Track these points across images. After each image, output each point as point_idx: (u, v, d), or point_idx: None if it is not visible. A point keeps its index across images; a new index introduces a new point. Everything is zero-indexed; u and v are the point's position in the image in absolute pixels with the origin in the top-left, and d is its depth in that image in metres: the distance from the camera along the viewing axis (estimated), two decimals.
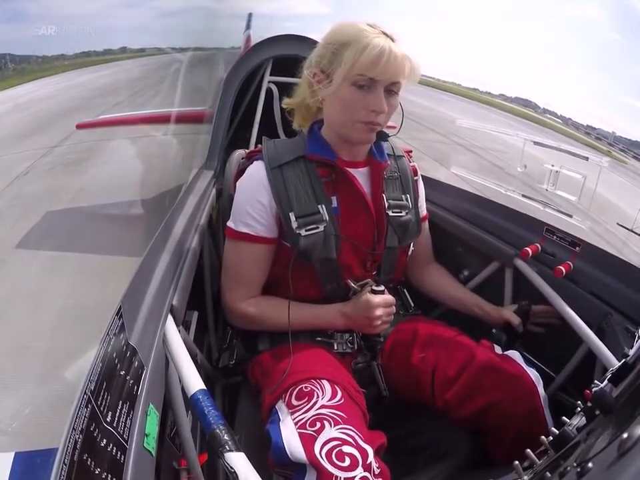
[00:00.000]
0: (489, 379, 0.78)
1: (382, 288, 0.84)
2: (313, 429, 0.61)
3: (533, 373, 0.79)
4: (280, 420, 0.66)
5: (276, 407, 0.71)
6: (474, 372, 0.79)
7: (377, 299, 0.81)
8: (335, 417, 0.63)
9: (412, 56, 0.76)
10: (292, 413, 0.66)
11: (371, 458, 0.59)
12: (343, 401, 0.68)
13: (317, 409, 0.65)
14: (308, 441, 0.60)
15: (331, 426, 0.61)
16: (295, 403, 0.68)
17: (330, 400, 0.67)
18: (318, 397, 0.68)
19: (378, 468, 0.59)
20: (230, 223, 0.87)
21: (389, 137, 0.82)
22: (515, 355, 0.84)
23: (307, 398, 0.68)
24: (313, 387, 0.70)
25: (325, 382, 0.71)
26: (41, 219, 2.54)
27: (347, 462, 0.57)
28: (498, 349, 0.86)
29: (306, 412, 0.65)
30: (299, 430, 0.62)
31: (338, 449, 0.58)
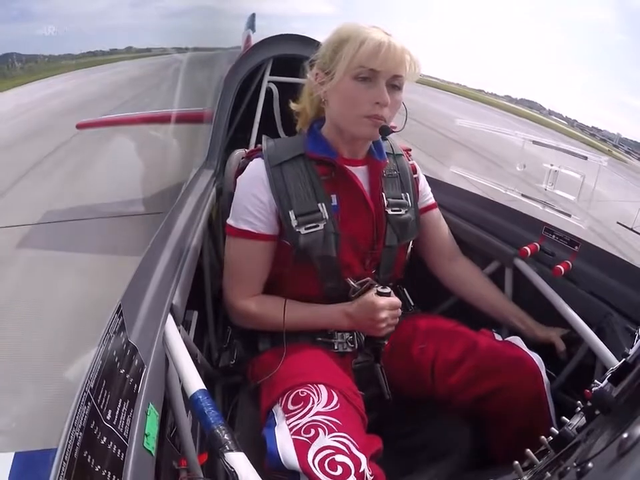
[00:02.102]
0: (492, 363, 0.79)
1: (388, 290, 0.82)
2: (308, 435, 0.61)
3: (535, 357, 0.79)
4: (276, 424, 0.66)
5: (272, 410, 0.71)
6: (477, 357, 0.80)
7: (383, 301, 0.80)
8: (330, 424, 0.63)
9: (411, 50, 0.77)
10: (287, 418, 0.66)
11: (364, 466, 0.58)
12: (339, 406, 0.68)
13: (312, 415, 0.65)
14: (301, 449, 0.59)
15: (325, 433, 0.61)
16: (290, 407, 0.68)
17: (325, 406, 0.67)
18: (314, 402, 0.67)
19: (371, 475, 0.59)
20: (230, 221, 0.87)
21: (393, 132, 0.82)
22: (516, 340, 0.84)
23: (302, 403, 0.68)
24: (309, 392, 0.70)
25: (321, 386, 0.71)
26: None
27: (339, 471, 0.57)
28: (498, 337, 0.87)
29: (301, 418, 0.65)
30: (293, 436, 0.62)
31: (331, 457, 0.58)
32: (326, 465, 0.57)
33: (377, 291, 0.82)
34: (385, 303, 0.80)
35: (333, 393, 0.70)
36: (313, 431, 0.62)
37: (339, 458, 0.58)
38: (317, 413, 0.65)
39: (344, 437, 0.61)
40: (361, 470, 0.58)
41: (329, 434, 0.61)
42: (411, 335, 0.90)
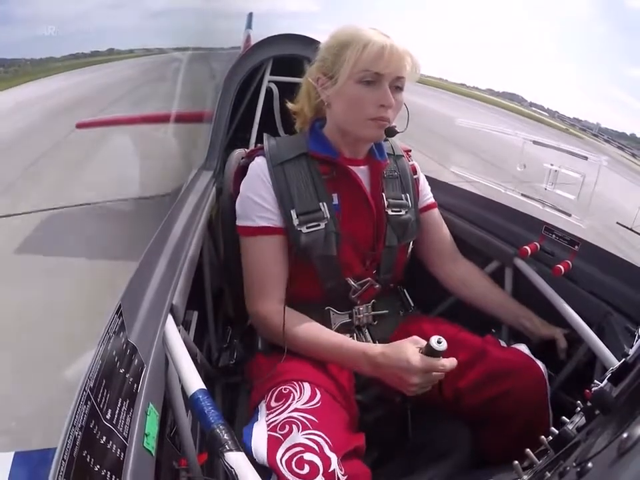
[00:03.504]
0: (501, 370, 0.78)
1: (442, 347, 0.64)
2: (282, 432, 0.61)
3: (541, 364, 0.80)
4: (257, 420, 0.66)
5: (258, 406, 0.71)
6: (486, 364, 0.79)
7: (420, 363, 0.65)
8: (305, 421, 0.62)
9: (412, 52, 0.78)
10: (267, 415, 0.66)
11: (334, 466, 0.57)
12: (320, 404, 0.67)
13: (290, 412, 0.64)
14: (273, 445, 0.59)
15: (298, 430, 0.61)
16: (273, 404, 0.68)
17: (306, 403, 0.66)
18: (294, 398, 0.67)
19: (344, 475, 0.58)
20: (244, 222, 0.85)
21: (398, 132, 0.82)
22: (521, 347, 0.84)
23: (283, 399, 0.67)
24: (292, 389, 0.69)
25: (305, 384, 0.70)
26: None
27: (306, 469, 0.56)
28: (503, 343, 0.87)
29: (279, 414, 0.64)
30: (269, 432, 0.62)
31: (299, 455, 0.57)
32: (293, 463, 0.57)
33: (429, 345, 0.65)
34: (422, 367, 0.65)
35: (317, 390, 0.70)
36: (287, 428, 0.61)
37: (308, 456, 0.57)
38: (295, 410, 0.65)
39: (317, 435, 0.60)
40: (331, 469, 0.57)
41: (302, 431, 0.60)
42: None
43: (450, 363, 0.66)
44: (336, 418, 0.69)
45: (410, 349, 0.67)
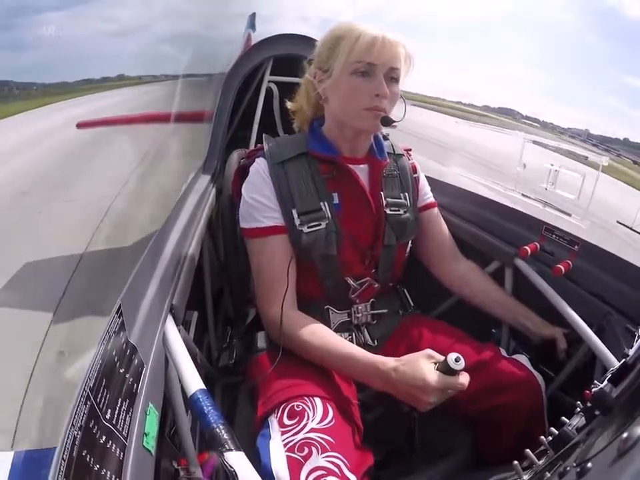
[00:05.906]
0: (500, 383, 0.78)
1: (461, 367, 0.62)
2: (301, 454, 0.61)
3: (539, 377, 0.80)
4: (270, 437, 0.65)
5: (268, 420, 0.69)
6: (485, 376, 0.79)
7: (437, 383, 0.62)
8: (323, 442, 0.62)
9: (406, 43, 0.79)
10: (282, 433, 0.65)
11: None
12: (333, 422, 0.66)
13: (306, 432, 0.64)
14: (295, 467, 0.59)
15: (318, 453, 0.60)
16: (286, 422, 0.67)
17: (320, 422, 0.66)
18: (308, 418, 0.66)
19: None
20: (250, 224, 0.84)
21: (395, 122, 0.82)
22: (521, 358, 0.84)
23: (297, 418, 0.66)
24: (305, 406, 0.68)
25: (317, 400, 0.70)
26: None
27: None
28: (504, 352, 0.86)
29: (295, 434, 0.64)
30: (287, 453, 0.61)
31: (323, 479, 0.57)
32: None
33: (446, 364, 0.62)
34: (440, 387, 0.63)
35: (328, 407, 0.69)
36: (306, 450, 0.61)
37: (330, 479, 0.58)
38: (311, 430, 0.64)
39: (336, 457, 0.60)
40: None
41: (321, 453, 0.60)
42: (417, 343, 0.89)
43: (467, 379, 0.64)
44: (348, 435, 0.69)
45: (426, 366, 0.64)
